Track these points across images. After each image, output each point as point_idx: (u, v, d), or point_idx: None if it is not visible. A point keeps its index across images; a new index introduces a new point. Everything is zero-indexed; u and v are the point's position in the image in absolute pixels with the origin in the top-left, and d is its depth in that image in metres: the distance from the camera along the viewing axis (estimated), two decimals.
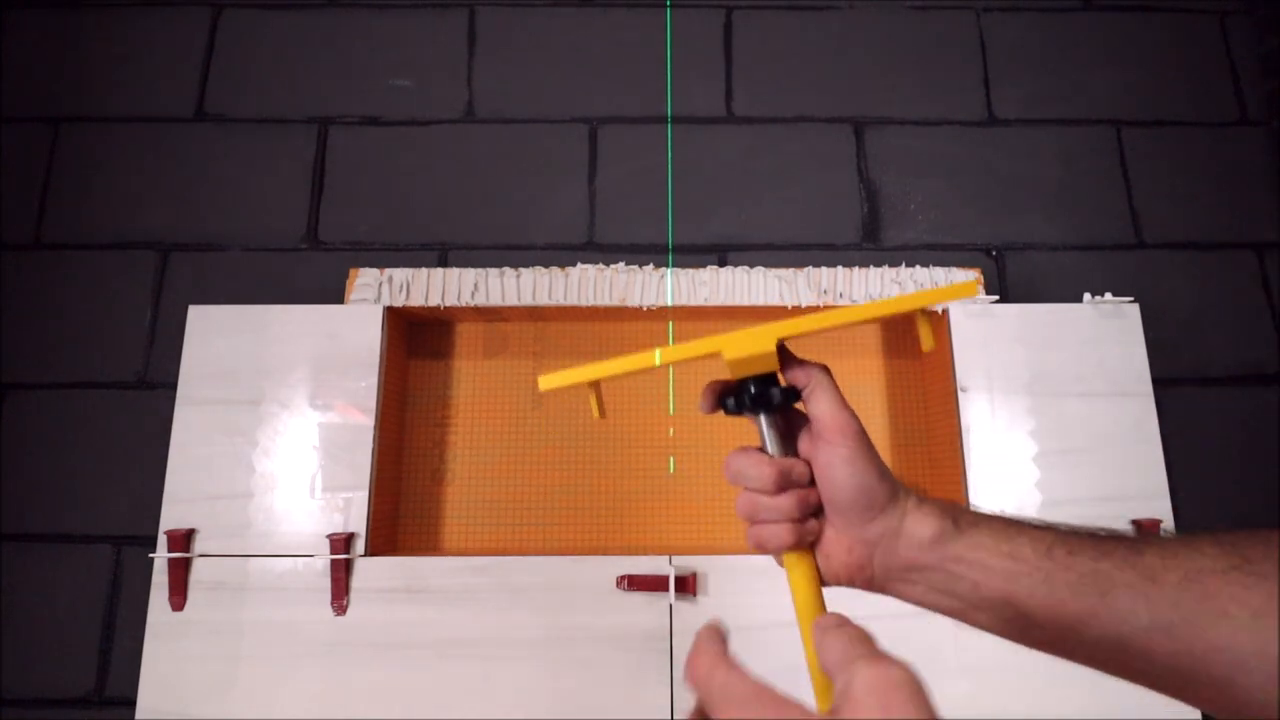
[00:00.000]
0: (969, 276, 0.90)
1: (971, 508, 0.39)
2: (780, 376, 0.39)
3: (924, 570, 0.35)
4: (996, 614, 0.34)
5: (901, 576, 0.36)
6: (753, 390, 0.38)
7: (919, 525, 0.36)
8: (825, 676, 0.32)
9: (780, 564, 0.39)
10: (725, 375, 0.40)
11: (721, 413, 0.41)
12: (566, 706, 0.75)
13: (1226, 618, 0.28)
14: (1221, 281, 1.01)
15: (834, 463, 0.36)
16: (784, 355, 0.39)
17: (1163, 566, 0.31)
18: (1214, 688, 0.29)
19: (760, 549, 0.38)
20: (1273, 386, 0.98)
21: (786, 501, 0.37)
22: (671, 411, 0.93)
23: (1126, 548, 0.32)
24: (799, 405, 0.39)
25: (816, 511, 0.38)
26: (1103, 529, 0.35)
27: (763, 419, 0.39)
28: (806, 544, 0.37)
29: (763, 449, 0.39)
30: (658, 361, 0.39)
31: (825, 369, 0.38)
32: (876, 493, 0.36)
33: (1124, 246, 1.02)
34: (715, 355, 0.38)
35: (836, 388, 0.38)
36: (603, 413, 0.43)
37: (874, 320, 0.40)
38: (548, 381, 0.40)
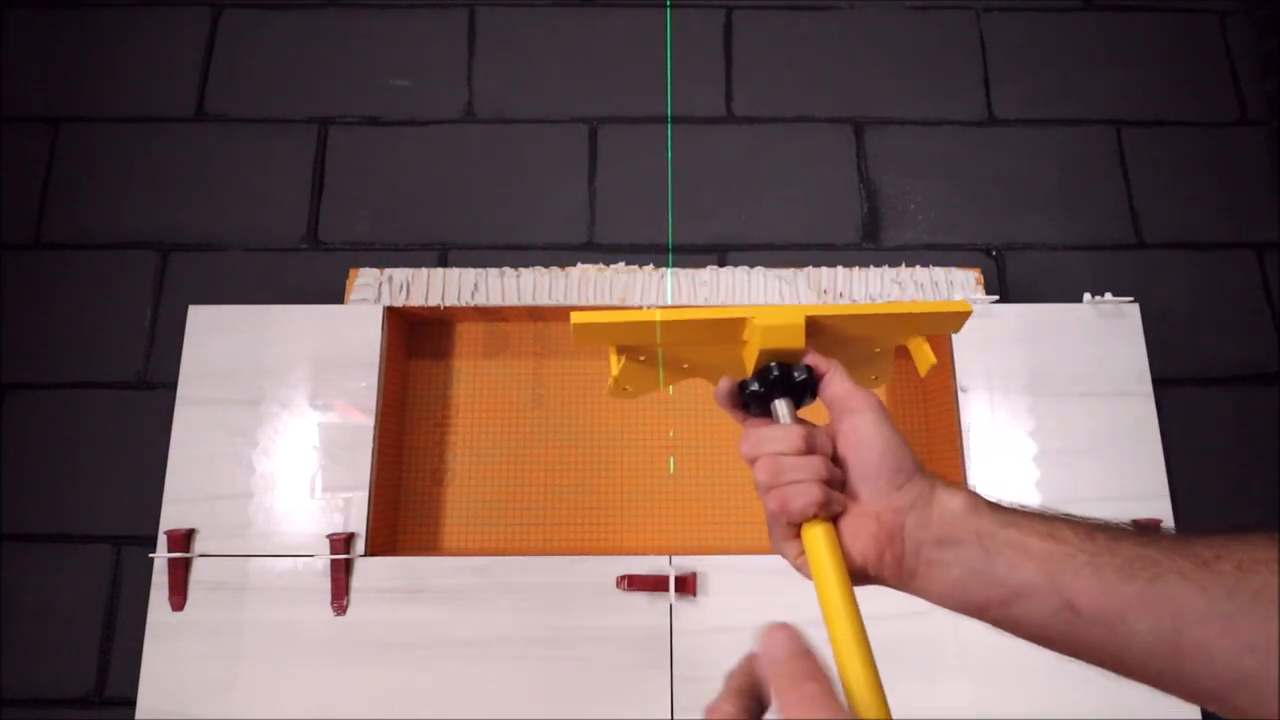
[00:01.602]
0: (969, 277, 0.90)
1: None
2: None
3: (958, 545, 0.33)
4: (1042, 602, 0.31)
5: (934, 557, 0.33)
6: (776, 372, 0.38)
7: (951, 496, 0.34)
8: (866, 681, 0.30)
9: (795, 556, 0.36)
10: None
11: (735, 410, 0.41)
12: (567, 707, 0.75)
13: (1264, 604, 0.26)
14: (1221, 281, 1.01)
15: (860, 425, 0.35)
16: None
17: (1214, 555, 0.28)
18: None
19: (783, 510, 0.35)
20: (1273, 386, 0.98)
21: (815, 460, 0.35)
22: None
23: (1172, 537, 0.30)
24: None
25: (840, 486, 0.36)
26: (1142, 523, 0.32)
27: (781, 405, 0.39)
28: (834, 511, 0.35)
29: None
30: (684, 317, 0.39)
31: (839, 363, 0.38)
32: (904, 455, 0.35)
33: (1124, 246, 1.02)
34: (747, 321, 0.39)
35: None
36: (630, 386, 0.43)
37: (894, 317, 0.41)
38: (580, 317, 0.39)
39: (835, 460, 0.36)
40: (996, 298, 0.87)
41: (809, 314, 0.39)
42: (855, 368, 0.42)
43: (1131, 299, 0.86)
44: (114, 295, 0.97)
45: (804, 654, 0.27)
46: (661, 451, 0.94)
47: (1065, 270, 1.00)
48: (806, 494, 0.34)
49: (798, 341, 0.38)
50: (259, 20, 1.08)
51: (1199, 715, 0.72)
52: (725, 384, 0.40)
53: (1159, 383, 0.86)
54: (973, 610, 0.33)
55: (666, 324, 0.39)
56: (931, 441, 0.94)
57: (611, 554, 0.80)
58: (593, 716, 0.75)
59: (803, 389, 0.38)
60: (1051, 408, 0.84)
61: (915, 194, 1.03)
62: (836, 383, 0.37)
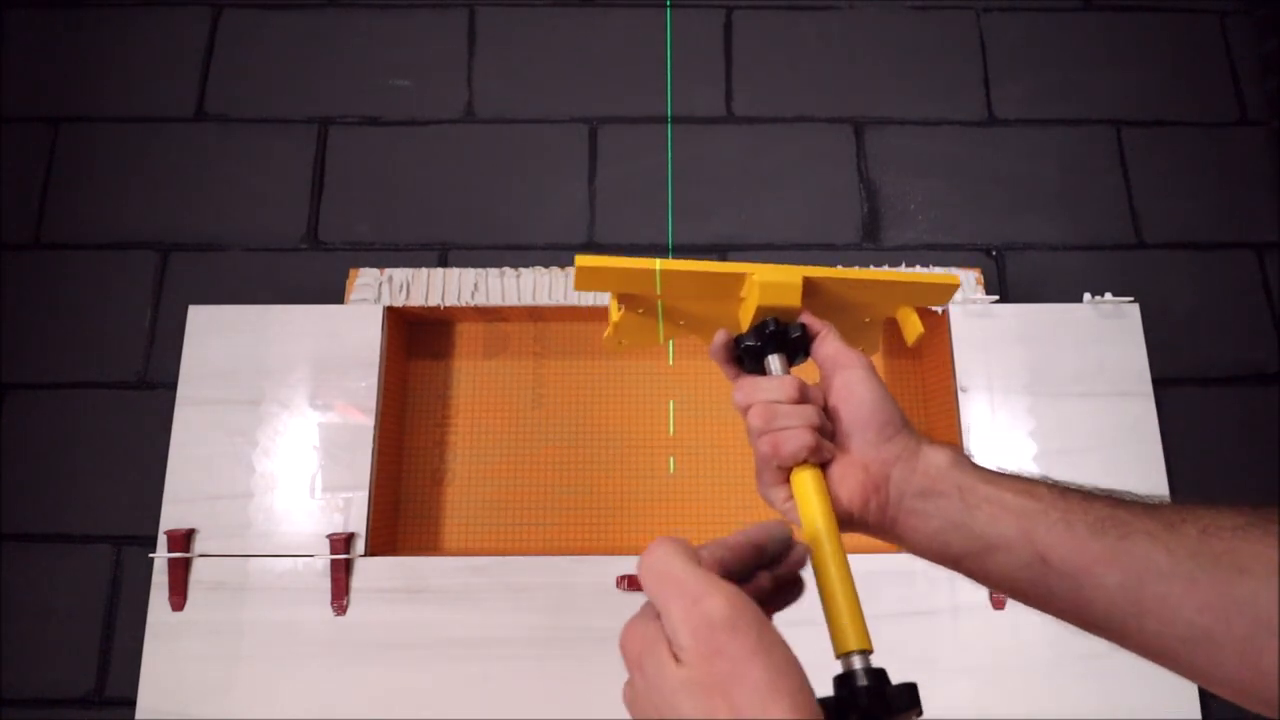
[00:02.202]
0: (969, 277, 0.90)
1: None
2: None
3: (940, 497, 0.35)
4: (1015, 554, 0.32)
5: (916, 506, 0.35)
6: (772, 327, 0.39)
7: (935, 451, 0.36)
8: (850, 613, 0.33)
9: (783, 501, 0.38)
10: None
11: (728, 365, 0.42)
12: (567, 707, 0.75)
13: (1247, 573, 0.27)
14: (1221, 281, 1.01)
15: (851, 381, 0.37)
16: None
17: (1180, 519, 0.30)
18: (1236, 652, 0.27)
19: (775, 453, 0.36)
20: (1273, 386, 0.98)
21: (807, 409, 0.37)
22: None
23: (1143, 503, 0.32)
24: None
25: (830, 436, 0.37)
26: (1116, 490, 0.34)
27: (774, 359, 0.40)
28: (824, 458, 0.37)
29: None
30: (677, 267, 0.41)
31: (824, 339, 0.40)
32: (893, 410, 0.37)
33: (1124, 246, 1.02)
34: (746, 276, 0.40)
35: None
36: (625, 339, 0.44)
37: (886, 284, 0.43)
38: (584, 260, 0.40)
39: (826, 413, 0.38)
40: (996, 298, 0.87)
41: (806, 274, 0.40)
42: (845, 337, 0.43)
43: (1131, 299, 0.86)
44: (114, 295, 0.97)
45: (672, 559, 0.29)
46: (661, 451, 0.94)
47: (1065, 270, 1.01)
48: (798, 438, 0.36)
49: (794, 300, 0.40)
50: (259, 20, 1.08)
51: (1198, 716, 0.72)
52: (721, 336, 0.41)
53: (1159, 383, 0.86)
54: (949, 561, 0.35)
55: (667, 273, 0.40)
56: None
57: (611, 554, 0.80)
58: (593, 716, 0.75)
59: (796, 346, 0.40)
60: (1051, 408, 0.84)
61: (915, 194, 1.03)
62: (830, 342, 0.39)
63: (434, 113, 1.05)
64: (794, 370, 0.40)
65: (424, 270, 0.89)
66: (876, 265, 0.91)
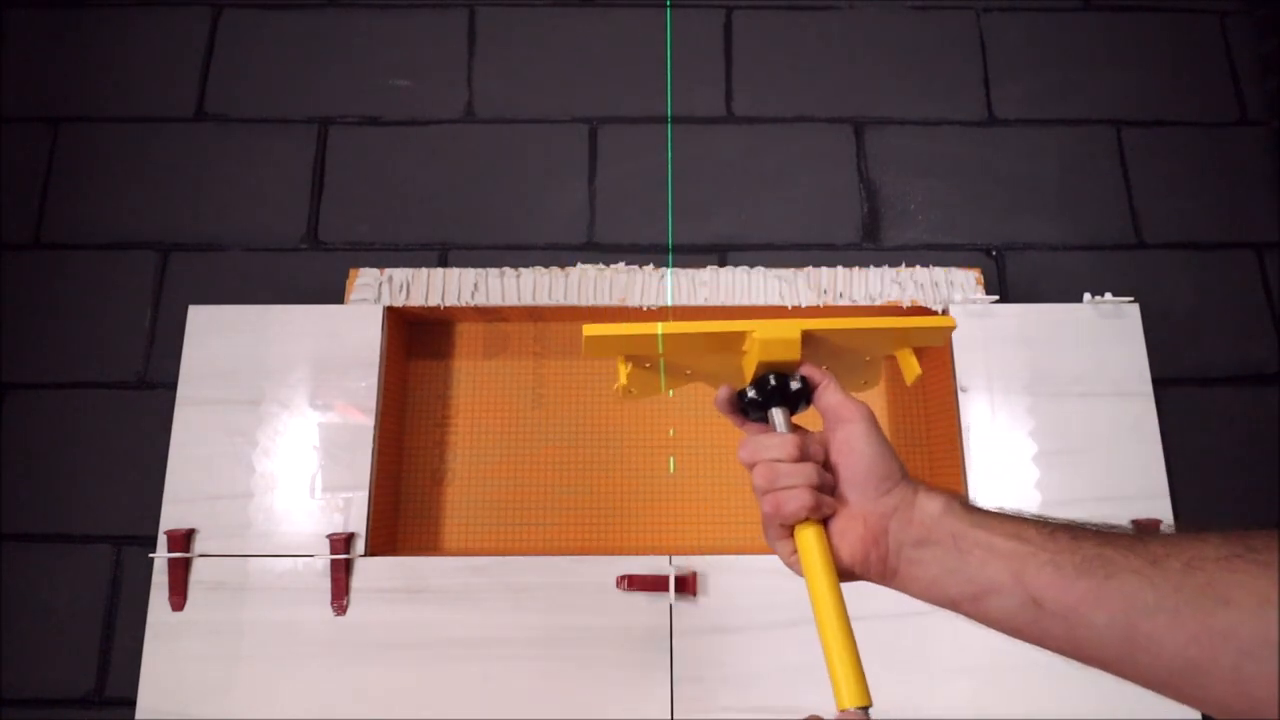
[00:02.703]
0: (969, 277, 0.90)
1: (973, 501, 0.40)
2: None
3: (935, 545, 0.36)
4: (1009, 597, 0.34)
5: (913, 556, 0.37)
6: (773, 382, 0.42)
7: (929, 499, 0.37)
8: (850, 668, 0.35)
9: (788, 554, 0.39)
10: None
11: (734, 415, 0.44)
12: (567, 707, 0.75)
13: (1230, 604, 0.28)
14: (1221, 281, 1.01)
15: (851, 437, 0.39)
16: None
17: (1165, 553, 0.31)
18: (1225, 681, 0.28)
19: (776, 513, 0.38)
20: (1273, 386, 0.98)
21: (807, 467, 0.38)
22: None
23: (1130, 537, 0.33)
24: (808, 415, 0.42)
25: (831, 490, 0.39)
26: (1105, 524, 0.35)
27: (777, 414, 0.42)
28: (824, 514, 0.38)
29: None
30: (685, 330, 0.42)
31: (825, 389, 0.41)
32: (891, 464, 0.38)
33: (1124, 246, 1.02)
34: (746, 334, 0.42)
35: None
36: (635, 389, 0.46)
37: (883, 331, 0.45)
38: (591, 329, 0.42)
39: (827, 466, 0.39)
40: (996, 298, 0.87)
41: (804, 328, 0.42)
42: (847, 373, 0.45)
43: (1131, 299, 0.86)
44: (114, 295, 0.97)
45: None
46: (661, 451, 0.94)
47: (1065, 270, 1.00)
48: (798, 499, 0.38)
49: (794, 355, 0.42)
50: (259, 20, 1.08)
51: (1198, 716, 0.72)
52: (724, 392, 0.43)
53: (1159, 383, 0.86)
54: (948, 604, 0.37)
55: (669, 336, 0.42)
56: (931, 441, 0.94)
57: (611, 554, 0.80)
58: (593, 716, 0.75)
59: (798, 398, 0.42)
60: (1051, 408, 0.84)
61: (915, 194, 1.03)
62: (830, 394, 0.41)
63: (434, 113, 1.05)
64: (797, 418, 0.42)
65: (424, 270, 0.89)
66: (876, 266, 0.91)
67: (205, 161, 1.02)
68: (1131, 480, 0.82)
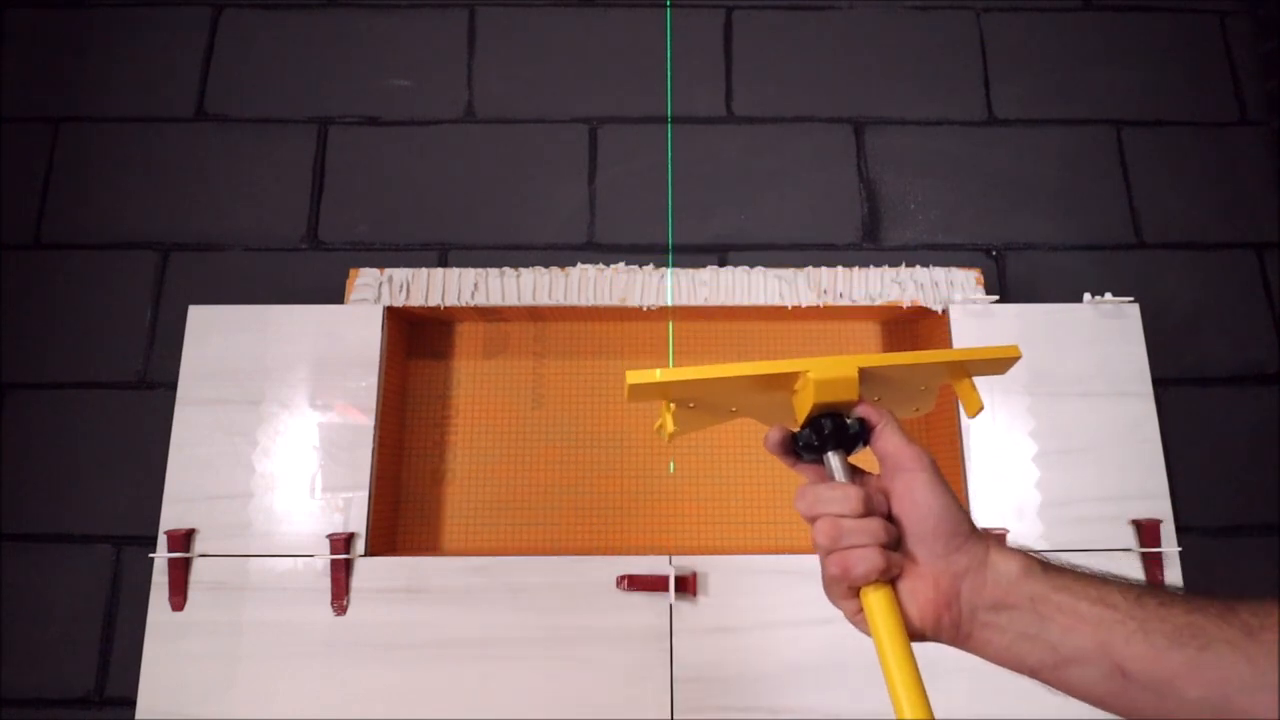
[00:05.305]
0: (969, 277, 0.90)
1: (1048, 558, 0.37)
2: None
3: (1012, 610, 0.34)
4: (1093, 667, 0.32)
5: (989, 620, 0.35)
6: (829, 426, 0.39)
7: (1005, 559, 0.35)
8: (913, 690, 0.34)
9: (853, 613, 0.37)
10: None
11: (785, 456, 0.41)
12: (566, 706, 0.75)
13: None
14: (1221, 281, 1.01)
15: (915, 486, 0.36)
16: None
17: (1259, 625, 0.29)
18: None
19: (845, 575, 0.35)
20: (1273, 386, 0.98)
21: (874, 524, 0.36)
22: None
23: (1220, 603, 0.31)
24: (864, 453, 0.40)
25: (896, 545, 0.36)
26: (1188, 591, 0.34)
27: (834, 458, 0.39)
28: (894, 575, 0.36)
29: None
30: (742, 373, 0.40)
31: (890, 412, 0.39)
32: (960, 517, 0.36)
33: (1124, 246, 1.02)
34: (800, 374, 0.39)
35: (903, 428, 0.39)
36: (676, 428, 0.42)
37: (944, 364, 0.42)
38: (635, 376, 0.39)
39: (889, 517, 0.37)
40: (996, 298, 0.87)
41: (862, 365, 0.39)
42: (899, 403, 0.43)
43: (1131, 299, 0.86)
44: (114, 295, 0.97)
45: None
46: (661, 451, 0.94)
47: (1065, 270, 1.00)
48: (868, 560, 0.35)
49: (852, 395, 0.39)
50: (259, 20, 1.08)
51: None
52: (775, 434, 0.40)
53: (1159, 383, 0.86)
54: (1026, 671, 0.34)
55: (719, 380, 0.39)
56: (931, 441, 0.94)
57: (611, 554, 0.80)
58: (593, 717, 0.75)
59: (855, 440, 0.39)
60: (1051, 408, 0.83)
61: (915, 194, 1.03)
62: (888, 436, 0.38)
63: (434, 113, 1.05)
64: (854, 458, 0.39)
65: (424, 270, 0.89)
66: (877, 265, 0.90)
67: (205, 161, 1.02)
68: (1131, 480, 0.82)
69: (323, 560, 0.78)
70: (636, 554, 0.79)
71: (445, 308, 0.89)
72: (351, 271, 0.89)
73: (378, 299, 0.88)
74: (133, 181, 1.01)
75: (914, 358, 0.40)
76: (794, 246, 1.01)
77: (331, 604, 0.77)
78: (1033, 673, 0.34)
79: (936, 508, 0.35)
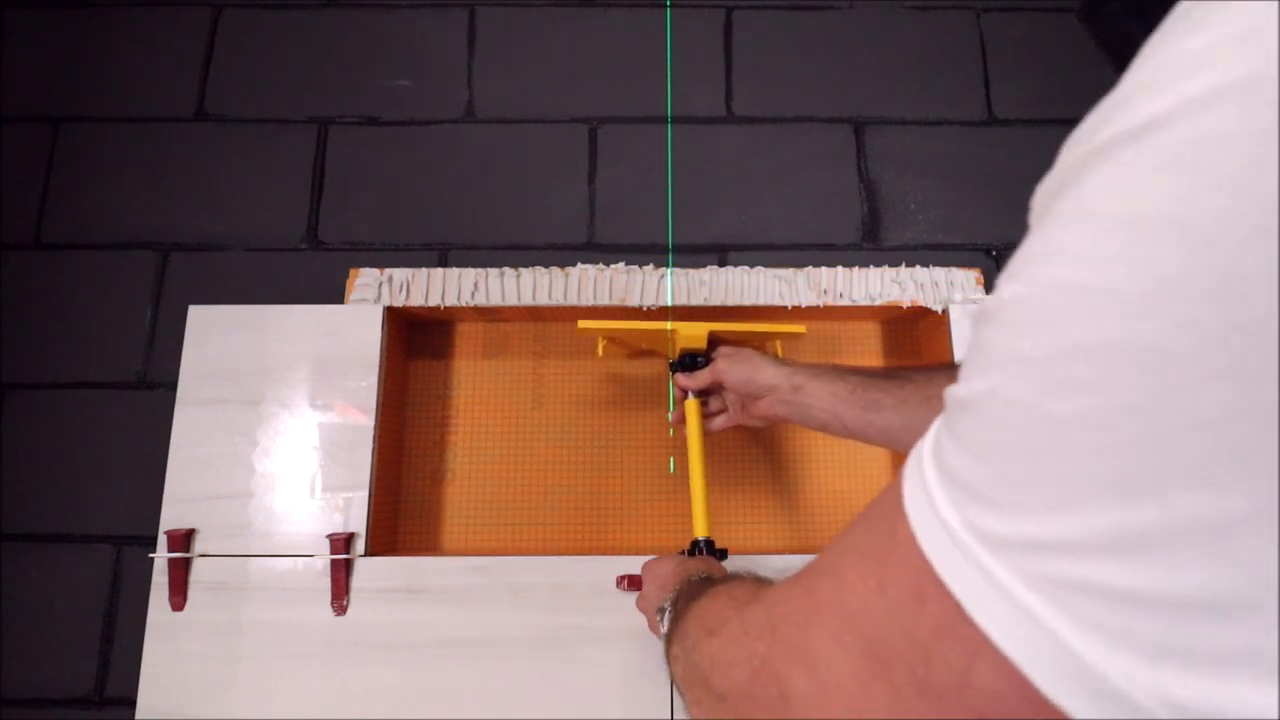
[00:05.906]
0: (969, 277, 0.90)
1: (822, 364, 0.70)
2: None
3: (790, 404, 0.69)
4: (834, 425, 0.66)
5: (782, 412, 0.71)
6: (686, 357, 0.82)
7: (786, 376, 0.70)
8: (702, 505, 0.76)
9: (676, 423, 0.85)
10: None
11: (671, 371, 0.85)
12: (566, 706, 0.75)
13: (931, 401, 0.57)
14: None
15: (724, 370, 0.76)
16: (711, 343, 0.82)
17: (913, 392, 0.60)
18: (904, 443, 0.61)
19: (682, 389, 0.81)
20: None
21: (702, 375, 0.79)
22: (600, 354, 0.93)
23: (898, 383, 0.61)
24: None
25: (722, 400, 0.82)
26: (901, 369, 0.64)
27: (690, 373, 0.81)
28: (709, 391, 0.81)
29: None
30: (668, 326, 0.82)
31: (720, 356, 0.78)
32: (756, 381, 0.72)
33: None
34: (674, 331, 0.82)
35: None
36: (603, 355, 0.89)
37: (757, 333, 0.85)
38: (586, 324, 0.81)
39: (721, 389, 0.80)
40: None
41: (710, 329, 0.80)
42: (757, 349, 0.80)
43: None
44: (114, 295, 0.97)
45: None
46: (661, 451, 0.94)
47: None
48: (697, 380, 0.79)
49: (702, 344, 0.81)
50: (259, 20, 1.08)
51: None
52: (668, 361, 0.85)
53: None
54: (815, 428, 0.69)
55: (628, 331, 0.83)
56: None
57: (611, 554, 0.80)
58: (593, 717, 0.75)
59: (695, 365, 0.80)
60: None
61: (915, 194, 1.03)
62: (716, 363, 0.77)
63: (434, 113, 1.05)
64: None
65: (424, 270, 0.89)
66: (877, 265, 0.91)
67: (205, 161, 1.02)
68: None
69: (323, 560, 0.78)
70: (636, 554, 0.79)
71: (445, 308, 0.89)
72: (351, 271, 0.89)
73: (378, 299, 0.88)
74: (133, 181, 1.01)
75: (733, 327, 0.82)
76: (794, 246, 1.01)
77: (331, 604, 0.77)
78: (820, 429, 0.68)
79: (735, 378, 0.74)
